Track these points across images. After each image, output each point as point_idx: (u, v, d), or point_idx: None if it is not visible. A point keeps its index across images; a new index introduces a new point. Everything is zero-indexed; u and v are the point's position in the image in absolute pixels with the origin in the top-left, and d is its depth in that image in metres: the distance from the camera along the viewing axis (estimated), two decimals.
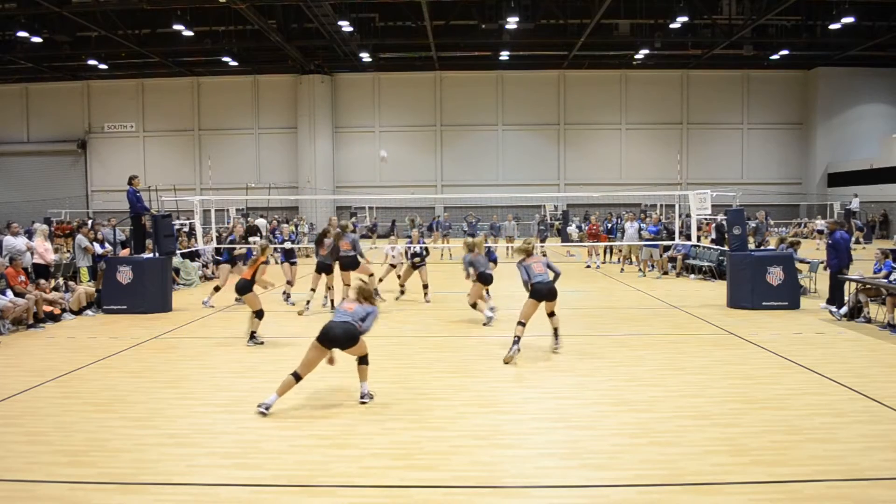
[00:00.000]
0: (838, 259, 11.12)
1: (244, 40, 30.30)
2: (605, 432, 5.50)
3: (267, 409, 5.97)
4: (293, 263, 13.52)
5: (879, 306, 10.14)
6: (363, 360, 6.37)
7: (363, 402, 6.24)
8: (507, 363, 7.84)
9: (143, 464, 4.91)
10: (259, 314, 8.94)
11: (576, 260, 21.45)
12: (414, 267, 12.60)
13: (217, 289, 12.60)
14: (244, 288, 8.90)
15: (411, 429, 5.61)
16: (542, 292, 8.19)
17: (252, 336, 8.96)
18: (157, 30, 28.99)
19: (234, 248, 13.87)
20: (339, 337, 6.11)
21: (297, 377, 6.05)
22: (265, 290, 9.74)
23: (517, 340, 8.01)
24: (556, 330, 8.57)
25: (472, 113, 36.97)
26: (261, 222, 25.77)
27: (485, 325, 10.30)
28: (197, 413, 6.09)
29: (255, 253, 9.48)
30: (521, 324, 8.12)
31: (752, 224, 19.27)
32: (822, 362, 7.70)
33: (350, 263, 11.37)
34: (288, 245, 13.62)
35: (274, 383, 7.05)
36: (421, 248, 12.75)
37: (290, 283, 12.96)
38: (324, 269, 11.57)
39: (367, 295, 6.47)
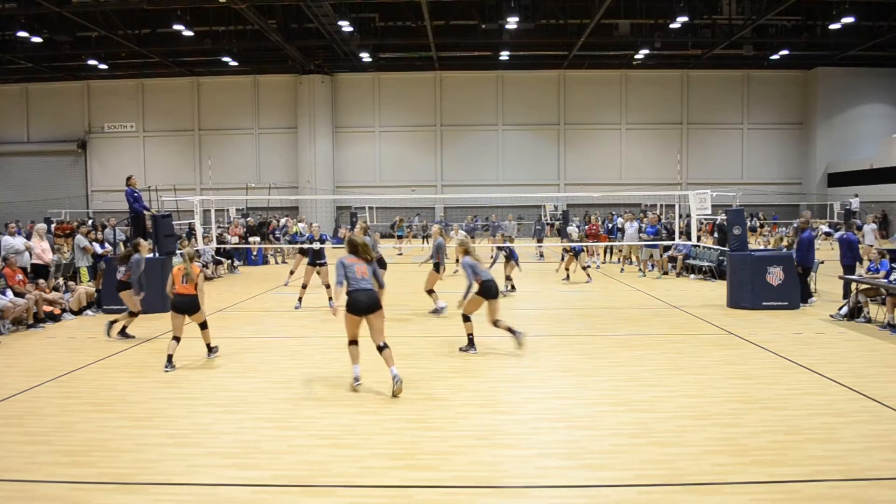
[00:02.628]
0: (799, 256, 11.79)
1: (244, 40, 30.30)
2: (605, 432, 5.50)
3: (358, 380, 6.65)
4: (322, 265, 12.36)
5: (879, 306, 10.14)
6: (386, 345, 6.58)
7: (398, 385, 6.41)
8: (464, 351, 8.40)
9: (143, 464, 4.91)
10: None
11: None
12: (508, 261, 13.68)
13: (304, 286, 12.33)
14: (195, 304, 7.90)
15: (411, 429, 5.61)
16: (494, 290, 8.14)
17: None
18: (157, 30, 28.98)
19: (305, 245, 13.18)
20: (367, 305, 6.51)
21: (355, 342, 6.66)
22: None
23: (472, 339, 8.42)
24: (509, 328, 8.14)
25: (472, 113, 36.97)
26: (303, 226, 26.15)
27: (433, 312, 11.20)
28: (197, 413, 6.09)
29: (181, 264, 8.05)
30: (469, 319, 8.40)
31: (795, 224, 19.22)
32: (822, 362, 7.70)
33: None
34: (317, 245, 12.39)
35: (274, 383, 7.10)
36: (507, 247, 13.76)
37: (304, 286, 12.19)
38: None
39: (359, 246, 6.78)
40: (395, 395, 6.38)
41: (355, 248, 6.77)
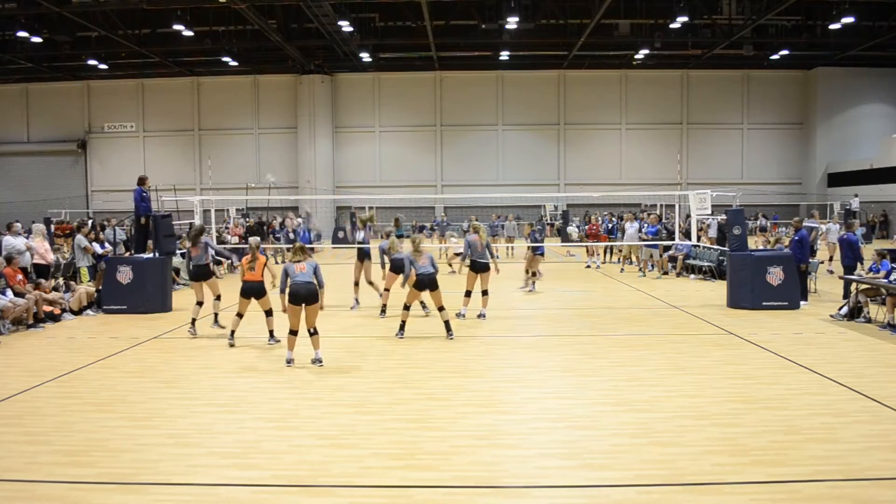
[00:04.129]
0: (801, 255, 11.91)
1: (244, 40, 30.29)
2: (605, 432, 5.50)
3: (290, 361, 7.70)
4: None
5: (879, 306, 10.14)
6: (316, 331, 7.81)
7: (319, 365, 7.66)
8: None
9: (143, 464, 4.91)
10: (269, 312, 9.06)
11: (576, 260, 21.46)
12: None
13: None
14: (261, 290, 8.84)
15: (411, 429, 5.61)
16: (425, 282, 9.11)
17: (271, 334, 9.09)
18: (157, 30, 28.97)
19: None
20: (304, 296, 7.61)
21: (294, 332, 7.72)
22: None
23: (403, 325, 9.35)
24: (446, 323, 9.24)
25: (472, 113, 36.95)
26: (296, 222, 26.54)
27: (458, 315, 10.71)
28: (197, 413, 6.09)
29: (251, 251, 8.97)
30: (407, 308, 9.43)
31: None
32: (822, 362, 7.70)
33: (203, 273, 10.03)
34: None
35: (274, 382, 7.12)
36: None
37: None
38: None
39: (303, 248, 8.04)
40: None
41: (295, 252, 7.95)
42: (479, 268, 10.79)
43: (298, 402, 6.42)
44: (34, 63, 32.31)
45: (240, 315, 8.93)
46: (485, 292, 10.91)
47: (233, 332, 8.96)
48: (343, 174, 37.23)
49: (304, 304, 7.62)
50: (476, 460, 4.95)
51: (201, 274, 9.92)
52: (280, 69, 35.37)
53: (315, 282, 7.75)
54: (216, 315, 10.01)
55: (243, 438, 5.41)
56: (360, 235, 12.41)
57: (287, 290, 7.70)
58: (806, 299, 11.91)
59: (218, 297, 10.07)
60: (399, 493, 4.43)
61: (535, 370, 7.62)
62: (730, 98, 36.74)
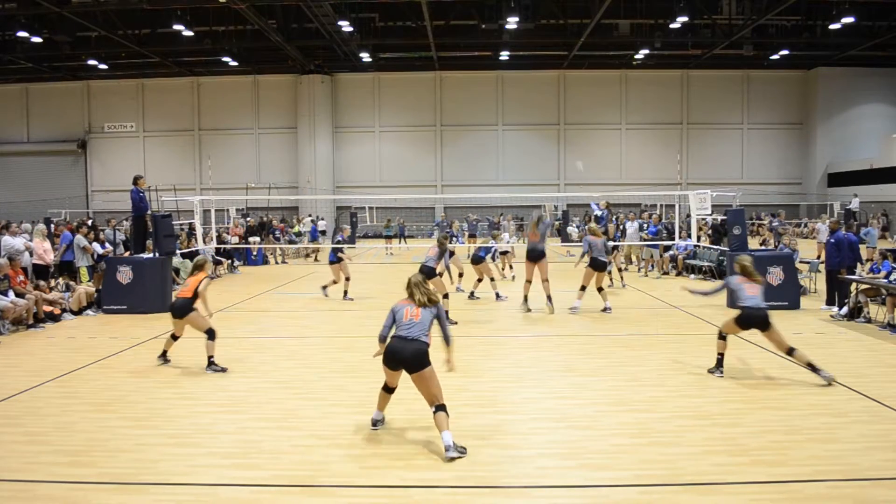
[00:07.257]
0: (840, 258, 11.32)
1: (244, 40, 30.31)
2: (605, 432, 5.50)
3: (375, 424, 5.54)
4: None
5: (879, 306, 10.15)
6: (441, 407, 5.05)
7: (451, 459, 4.89)
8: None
9: (143, 464, 4.91)
10: (210, 334, 7.65)
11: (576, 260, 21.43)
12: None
13: (334, 282, 13.23)
14: (185, 308, 7.61)
15: (411, 429, 5.61)
16: (754, 318, 7.00)
17: (210, 362, 7.59)
18: (157, 30, 28.99)
19: (342, 249, 13.28)
20: (406, 360, 5.09)
21: (389, 390, 5.47)
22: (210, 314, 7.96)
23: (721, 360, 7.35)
24: (810, 364, 6.86)
25: (472, 113, 36.97)
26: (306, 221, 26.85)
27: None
28: (197, 413, 6.09)
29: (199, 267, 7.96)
30: (724, 338, 7.32)
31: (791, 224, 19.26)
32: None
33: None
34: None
35: (274, 382, 7.11)
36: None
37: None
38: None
39: (412, 287, 5.39)
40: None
41: (409, 288, 5.40)
42: (597, 266, 11.34)
43: (298, 402, 6.41)
44: (34, 63, 32.34)
45: (174, 337, 7.89)
46: (583, 287, 11.53)
47: (165, 351, 7.94)
48: (343, 174, 37.24)
49: (403, 370, 5.20)
50: (476, 460, 4.95)
51: (428, 273, 10.46)
52: (280, 69, 35.40)
53: (428, 339, 5.18)
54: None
55: (243, 438, 5.40)
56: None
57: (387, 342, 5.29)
58: (841, 307, 10.71)
59: (446, 296, 10.68)
60: (399, 493, 4.43)
61: (535, 370, 7.62)
62: (730, 98, 36.76)
